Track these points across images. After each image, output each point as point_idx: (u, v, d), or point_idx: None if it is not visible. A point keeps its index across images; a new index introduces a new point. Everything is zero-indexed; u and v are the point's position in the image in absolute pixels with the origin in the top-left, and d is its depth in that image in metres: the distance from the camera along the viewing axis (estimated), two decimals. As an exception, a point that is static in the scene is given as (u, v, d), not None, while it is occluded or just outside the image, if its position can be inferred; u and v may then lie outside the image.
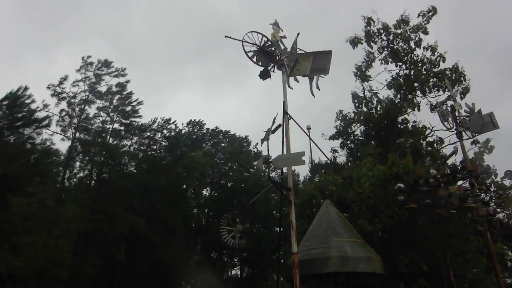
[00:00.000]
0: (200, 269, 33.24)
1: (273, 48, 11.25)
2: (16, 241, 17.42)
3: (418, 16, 22.56)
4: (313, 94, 10.97)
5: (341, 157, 25.58)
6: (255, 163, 41.03)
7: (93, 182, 28.82)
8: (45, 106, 25.67)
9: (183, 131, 42.91)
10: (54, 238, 19.73)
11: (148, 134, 32.78)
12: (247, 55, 11.14)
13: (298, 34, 10.87)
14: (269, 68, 11.18)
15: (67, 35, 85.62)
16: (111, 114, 29.78)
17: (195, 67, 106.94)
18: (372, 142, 22.95)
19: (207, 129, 46.86)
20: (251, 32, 11.21)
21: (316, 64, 10.74)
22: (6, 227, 17.64)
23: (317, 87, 11.04)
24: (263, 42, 11.22)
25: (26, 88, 20.42)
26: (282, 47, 11.33)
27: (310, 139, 13.42)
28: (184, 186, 38.12)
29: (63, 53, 75.61)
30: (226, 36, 11.08)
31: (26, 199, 19.55)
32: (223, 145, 46.60)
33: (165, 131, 35.68)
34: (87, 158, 27.43)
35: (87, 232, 23.78)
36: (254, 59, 11.19)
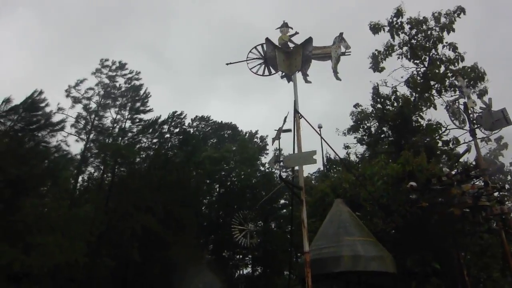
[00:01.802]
0: (212, 268, 33.38)
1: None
2: (30, 241, 17.67)
3: (444, 15, 22.25)
4: (337, 78, 10.90)
5: (357, 153, 25.41)
6: (266, 162, 41.04)
7: (105, 182, 29.11)
8: (60, 109, 26.02)
9: (190, 129, 42.99)
10: (68, 238, 19.97)
11: (158, 129, 32.64)
12: (252, 71, 11.31)
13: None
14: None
15: (112, 50, 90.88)
16: (122, 112, 29.92)
17: (227, 78, 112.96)
18: (386, 139, 22.76)
19: (213, 121, 46.96)
20: (254, 47, 11.35)
21: (305, 55, 10.87)
22: (21, 227, 17.91)
23: (335, 71, 10.97)
24: (270, 50, 11.28)
25: (41, 92, 20.65)
26: (292, 45, 11.37)
27: (322, 137, 13.45)
28: (195, 184, 38.27)
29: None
30: (227, 64, 11.27)
31: (40, 200, 19.80)
32: (226, 136, 46.69)
33: (174, 127, 35.50)
34: (100, 158, 27.72)
35: (100, 232, 24.02)
36: (260, 72, 11.29)
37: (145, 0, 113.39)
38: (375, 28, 23.02)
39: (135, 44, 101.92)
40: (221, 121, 47.83)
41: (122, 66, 30.54)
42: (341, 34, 11.10)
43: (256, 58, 11.42)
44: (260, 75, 11.36)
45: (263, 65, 11.47)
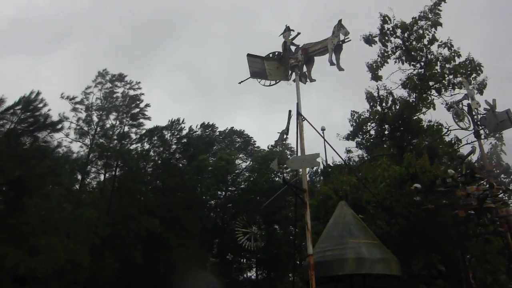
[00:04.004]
0: (216, 271, 33.34)
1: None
2: (34, 243, 17.67)
3: (430, 12, 22.20)
4: (340, 69, 10.70)
5: (357, 158, 25.36)
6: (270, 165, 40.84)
7: (108, 185, 29.30)
8: (66, 117, 26.45)
9: (196, 133, 43.32)
10: (72, 241, 20.00)
11: (161, 136, 33.11)
12: (261, 84, 11.37)
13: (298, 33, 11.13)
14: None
15: (153, 71, 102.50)
16: (122, 119, 30.50)
17: (256, 93, 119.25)
18: (387, 142, 22.68)
19: (220, 131, 47.41)
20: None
21: (286, 58, 11.09)
22: (25, 229, 17.95)
23: (337, 63, 10.80)
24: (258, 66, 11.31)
25: (38, 93, 20.68)
26: (294, 48, 11.37)
27: (325, 140, 13.43)
28: (199, 188, 38.42)
29: (150, 86, 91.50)
30: (239, 82, 11.32)
31: (44, 201, 19.82)
32: (237, 145, 46.99)
33: (176, 132, 35.84)
34: (103, 162, 27.99)
35: (104, 234, 24.07)
36: (268, 83, 11.32)
37: (185, 23, 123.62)
38: (369, 40, 23.11)
39: (175, 64, 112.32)
40: (232, 127, 48.29)
41: (121, 77, 31.52)
42: (339, 21, 10.71)
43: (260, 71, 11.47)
44: (268, 85, 11.38)
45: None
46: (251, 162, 42.60)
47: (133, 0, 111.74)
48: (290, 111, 10.08)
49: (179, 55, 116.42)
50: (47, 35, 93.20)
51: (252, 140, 47.92)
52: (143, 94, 31.78)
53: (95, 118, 29.19)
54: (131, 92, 31.45)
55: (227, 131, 47.72)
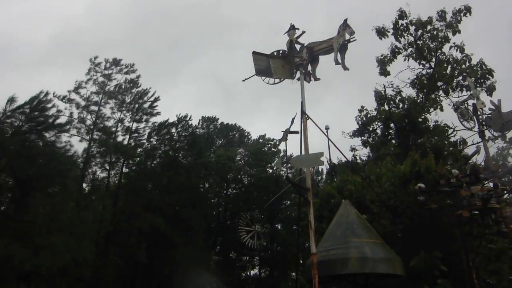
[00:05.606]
0: (219, 269, 33.43)
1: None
2: (39, 241, 17.78)
3: (451, 16, 22.11)
4: (345, 68, 10.63)
5: (362, 156, 25.31)
6: (273, 164, 41.03)
7: (112, 182, 29.25)
8: (59, 111, 26.18)
9: (197, 130, 43.44)
10: (76, 238, 20.10)
11: (166, 131, 32.57)
12: (265, 82, 11.41)
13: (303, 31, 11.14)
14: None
15: (181, 79, 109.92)
16: (126, 112, 29.93)
17: (273, 99, 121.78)
18: (393, 141, 22.62)
19: (221, 123, 47.58)
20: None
21: (290, 57, 11.13)
22: (30, 227, 18.09)
23: (342, 62, 10.73)
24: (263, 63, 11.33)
25: (47, 93, 20.70)
26: (298, 46, 11.36)
27: (329, 139, 13.41)
28: (206, 185, 38.44)
29: (178, 93, 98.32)
30: (243, 80, 11.34)
31: (49, 200, 19.95)
32: (235, 139, 47.15)
33: (182, 130, 35.41)
34: (105, 158, 27.81)
35: (108, 232, 24.19)
36: (272, 81, 11.32)
37: (214, 35, 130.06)
38: (381, 32, 23.01)
39: (203, 72, 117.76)
40: (228, 123, 48.32)
41: (116, 62, 30.48)
42: (345, 20, 10.63)
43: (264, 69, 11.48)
44: (272, 83, 11.39)
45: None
46: (248, 157, 42.52)
47: (166, 17, 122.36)
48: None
49: (206, 65, 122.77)
50: (84, 50, 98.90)
51: (245, 132, 48.24)
52: (139, 76, 30.87)
53: (92, 111, 28.46)
54: (128, 77, 30.54)
55: (221, 127, 47.75)
